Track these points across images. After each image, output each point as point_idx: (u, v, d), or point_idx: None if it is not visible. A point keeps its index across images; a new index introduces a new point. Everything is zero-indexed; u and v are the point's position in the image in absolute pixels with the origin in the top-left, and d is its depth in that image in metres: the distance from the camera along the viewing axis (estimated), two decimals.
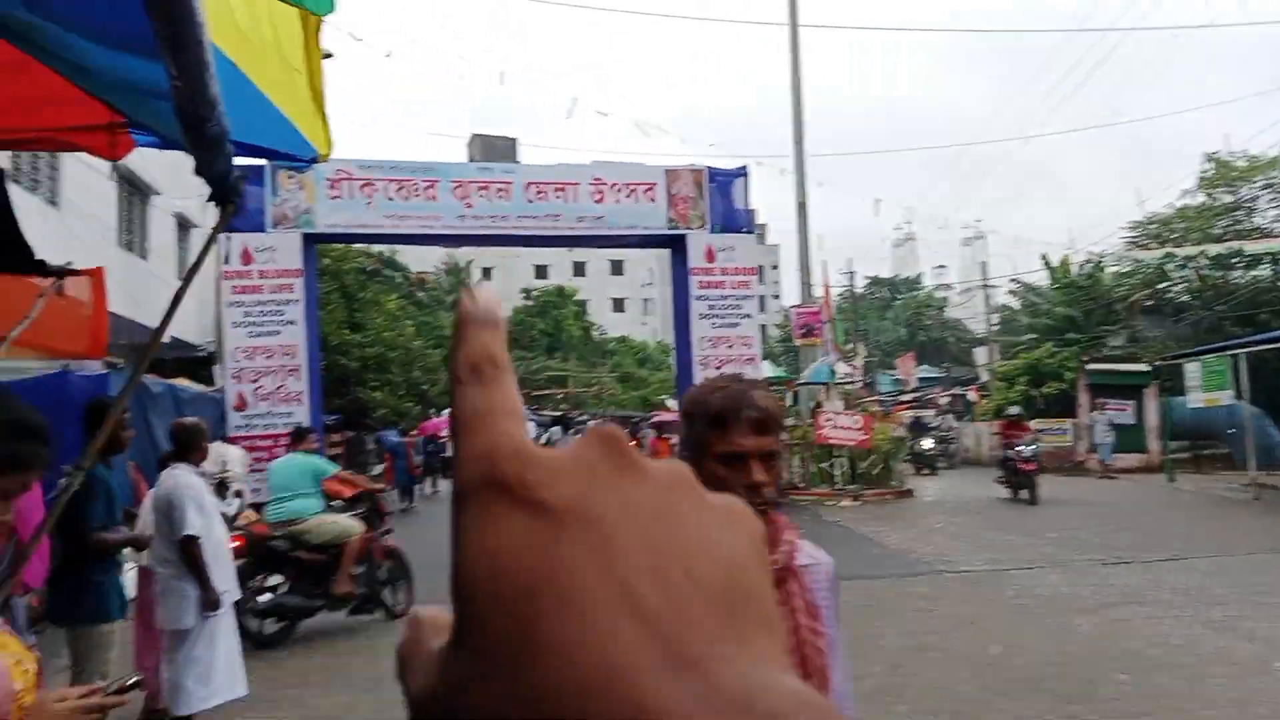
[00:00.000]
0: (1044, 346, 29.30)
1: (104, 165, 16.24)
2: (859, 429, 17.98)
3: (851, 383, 22.40)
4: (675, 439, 14.28)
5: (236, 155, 4.62)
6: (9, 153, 12.54)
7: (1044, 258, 33.64)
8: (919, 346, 52.54)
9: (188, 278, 4.30)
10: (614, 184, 17.77)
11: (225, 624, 5.21)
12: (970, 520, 15.20)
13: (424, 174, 17.50)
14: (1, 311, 9.17)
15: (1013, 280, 39.78)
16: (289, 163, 5.02)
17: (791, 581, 1.79)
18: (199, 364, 22.36)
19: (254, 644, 7.63)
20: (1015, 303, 42.60)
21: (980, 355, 38.41)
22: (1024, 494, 17.02)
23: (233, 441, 15.88)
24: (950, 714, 5.74)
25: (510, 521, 0.29)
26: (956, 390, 38.61)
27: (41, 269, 5.01)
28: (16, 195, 12.72)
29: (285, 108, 4.58)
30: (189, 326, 22.29)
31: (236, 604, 7.29)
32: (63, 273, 5.09)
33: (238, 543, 7.55)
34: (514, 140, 67.05)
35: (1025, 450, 16.95)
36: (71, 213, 14.55)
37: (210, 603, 5.05)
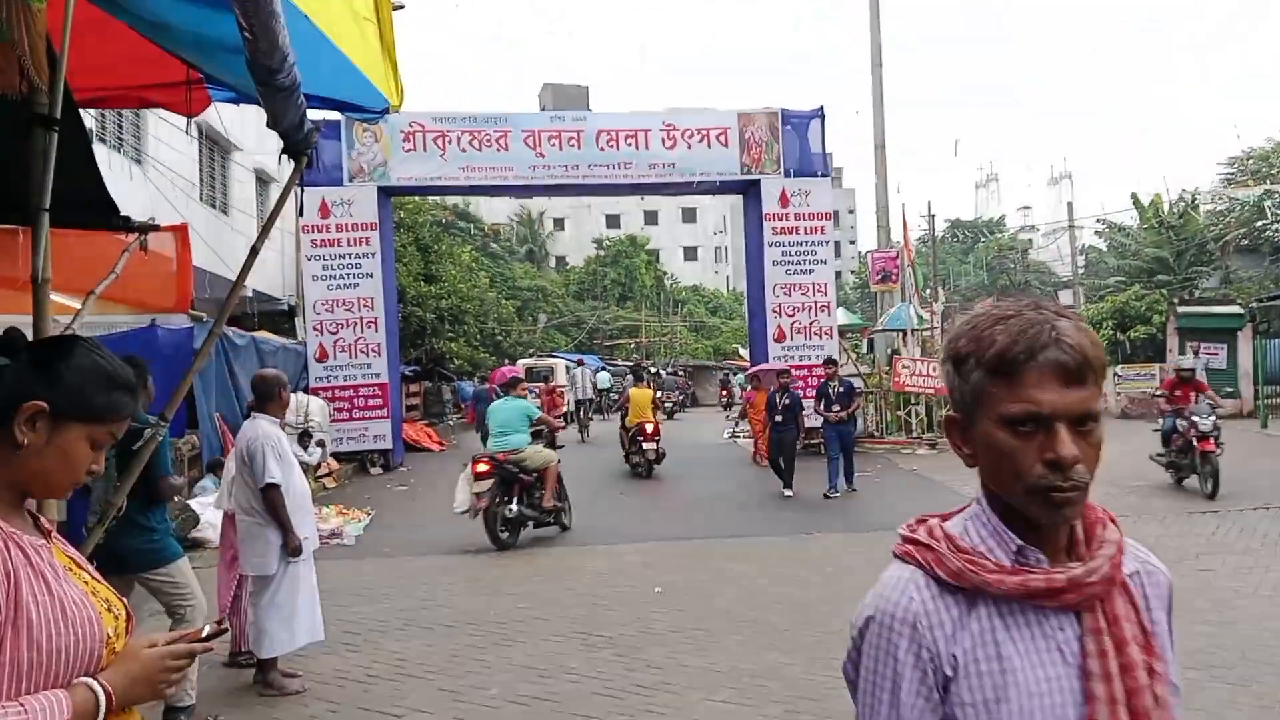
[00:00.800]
0: (1132, 289, 28.33)
1: (186, 123, 16.58)
2: (937, 376, 17.66)
3: (930, 329, 21.95)
4: (773, 390, 13.63)
5: (310, 109, 4.66)
6: (94, 111, 12.88)
7: (1134, 196, 32.42)
8: (1000, 291, 51.23)
9: (264, 230, 4.38)
10: (686, 130, 17.56)
11: (306, 570, 5.37)
12: None
13: (496, 125, 17.53)
14: (89, 266, 9.47)
15: (1099, 220, 38.43)
16: (361, 114, 5.04)
17: (1118, 600, 1.29)
18: (282, 316, 22.94)
19: (499, 548, 9.58)
20: (1102, 244, 41.17)
21: (1064, 298, 37.32)
22: (1195, 481, 11.82)
23: (314, 392, 16.28)
24: None
25: None
26: None
27: (126, 225, 5.14)
28: (103, 154, 13.07)
29: (356, 59, 4.59)
30: (271, 280, 22.83)
31: (486, 515, 9.48)
32: (146, 228, 5.21)
33: (486, 467, 9.52)
34: (586, 89, 66.56)
35: (1203, 421, 11.57)
36: (155, 170, 14.91)
37: (292, 549, 5.19)
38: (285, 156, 4.05)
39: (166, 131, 15.24)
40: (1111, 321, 26.86)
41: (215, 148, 18.33)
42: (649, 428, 15.15)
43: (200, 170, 17.84)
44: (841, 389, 13.31)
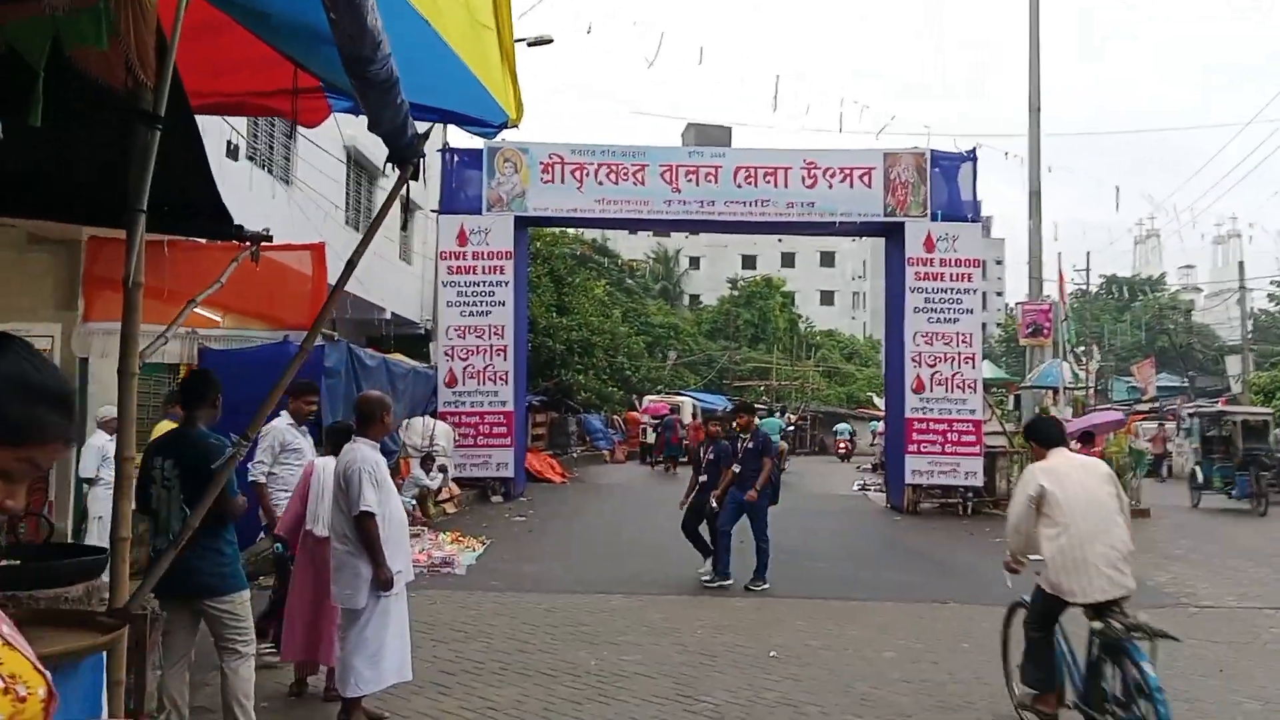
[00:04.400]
0: None
1: (334, 147, 17.05)
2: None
3: (1083, 388, 20.56)
4: (702, 440, 10.80)
5: (425, 120, 4.39)
6: (244, 131, 13.28)
7: None
8: (1158, 352, 48.19)
9: (369, 232, 4.10)
10: (827, 168, 17.01)
11: (398, 605, 5.05)
12: (1216, 548, 13.53)
13: (634, 158, 17.39)
14: (232, 283, 9.47)
15: (1274, 283, 35.73)
16: (479, 128, 4.78)
17: None
18: (418, 341, 23.36)
19: None
20: (1274, 308, 38.26)
21: (1232, 364, 34.69)
22: None
23: (441, 417, 16.34)
24: None
25: None
26: (1202, 402, 35.08)
27: (239, 235, 5.01)
28: (252, 174, 13.37)
29: (475, 68, 4.30)
30: (410, 304, 23.28)
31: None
32: (259, 238, 5.08)
33: None
34: (729, 129, 66.45)
35: None
36: (302, 192, 15.30)
37: (383, 582, 4.89)
38: (391, 165, 3.79)
39: (315, 155, 15.65)
40: None
41: (362, 172, 18.82)
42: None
43: (346, 194, 18.30)
44: (752, 445, 9.99)
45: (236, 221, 5.17)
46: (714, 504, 10.02)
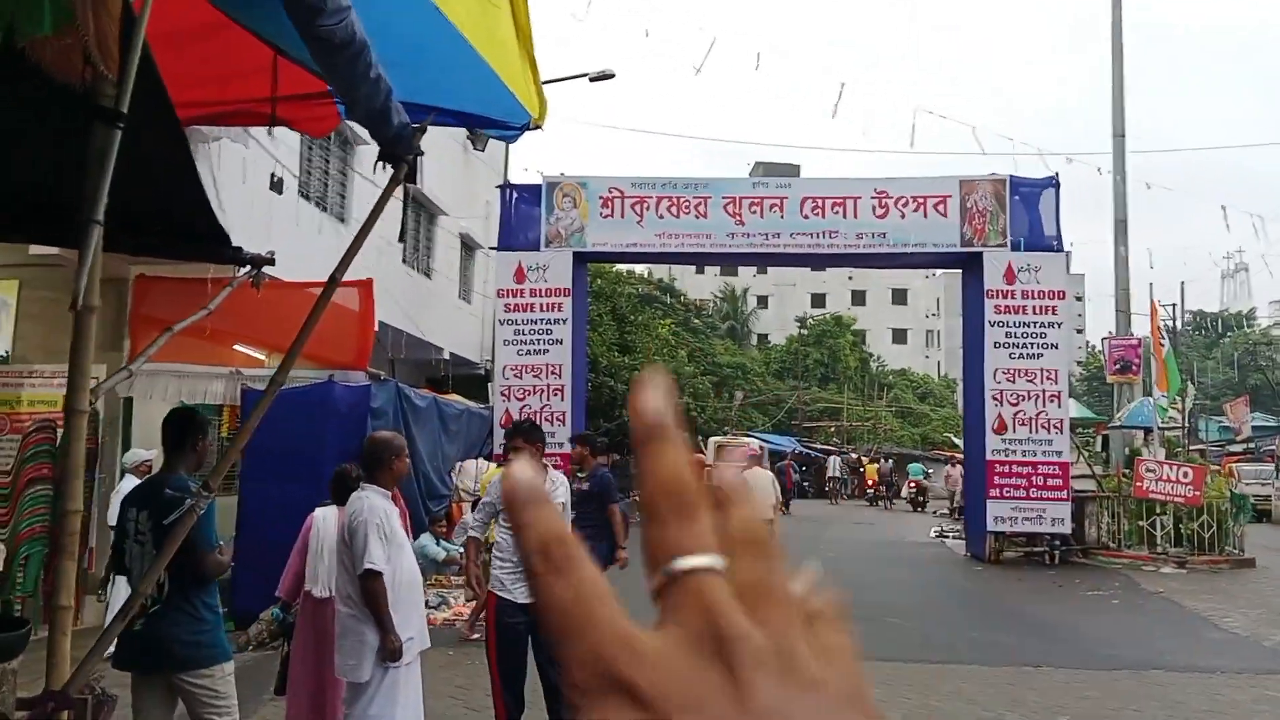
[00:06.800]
0: None
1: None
2: (1188, 483, 15.22)
3: (1175, 428, 19.26)
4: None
5: (439, 123, 3.82)
6: (299, 170, 13.00)
7: None
8: (1251, 390, 45.83)
9: (364, 229, 3.58)
10: (900, 197, 16.20)
11: (409, 677, 4.42)
12: None
13: (696, 191, 16.82)
14: (282, 319, 8.95)
15: None
16: (500, 132, 4.23)
17: None
18: (478, 382, 22.97)
19: None
20: None
21: None
22: None
23: (497, 460, 15.79)
24: None
25: None
26: None
27: (237, 257, 4.51)
28: (299, 208, 13.03)
29: (491, 59, 3.75)
30: (470, 344, 22.95)
31: None
32: (260, 261, 4.57)
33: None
34: (797, 167, 65.84)
35: None
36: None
37: (391, 651, 4.27)
38: (382, 164, 3.23)
39: (373, 193, 15.38)
40: None
41: (421, 211, 18.57)
42: None
43: (402, 232, 18.03)
44: (588, 487, 7.68)
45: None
46: None
